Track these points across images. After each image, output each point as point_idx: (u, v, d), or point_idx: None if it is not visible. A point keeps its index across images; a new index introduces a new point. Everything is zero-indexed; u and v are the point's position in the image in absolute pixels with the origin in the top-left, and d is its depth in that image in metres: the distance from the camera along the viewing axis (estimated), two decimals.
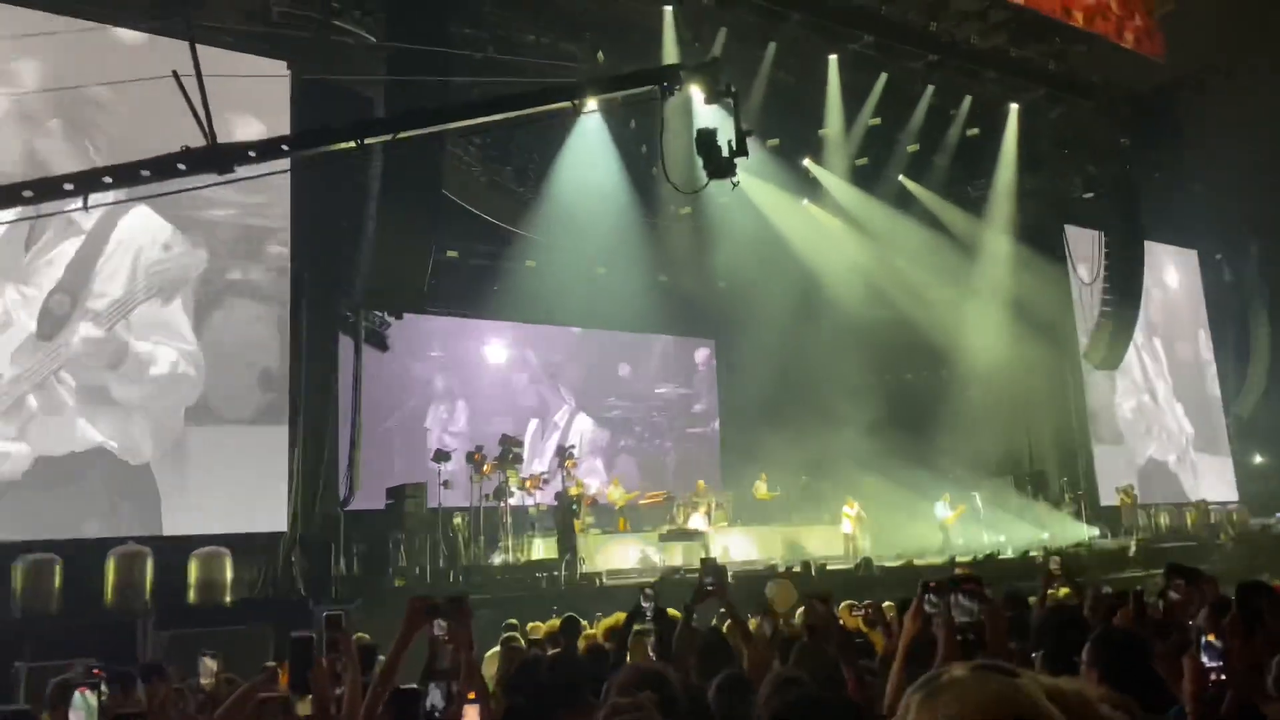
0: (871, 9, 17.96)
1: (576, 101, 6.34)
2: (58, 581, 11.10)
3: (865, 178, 21.00)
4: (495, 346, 21.07)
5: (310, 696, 3.42)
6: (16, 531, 12.12)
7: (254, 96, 14.65)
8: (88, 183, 5.36)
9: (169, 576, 11.89)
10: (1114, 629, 3.68)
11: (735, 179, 6.04)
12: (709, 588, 4.76)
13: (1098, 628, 3.50)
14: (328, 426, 15.47)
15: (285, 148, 5.77)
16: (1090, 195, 23.48)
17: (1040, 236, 22.67)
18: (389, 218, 14.46)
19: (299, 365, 14.80)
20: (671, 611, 5.18)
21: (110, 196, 5.79)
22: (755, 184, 20.27)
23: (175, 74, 5.51)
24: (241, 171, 5.84)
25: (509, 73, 18.37)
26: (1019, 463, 22.39)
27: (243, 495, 13.76)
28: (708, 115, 6.42)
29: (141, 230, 13.67)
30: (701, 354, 23.87)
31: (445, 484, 15.26)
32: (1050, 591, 7.02)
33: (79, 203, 5.61)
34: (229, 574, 12.20)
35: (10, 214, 5.24)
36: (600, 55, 18.01)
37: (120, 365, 13.32)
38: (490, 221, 18.24)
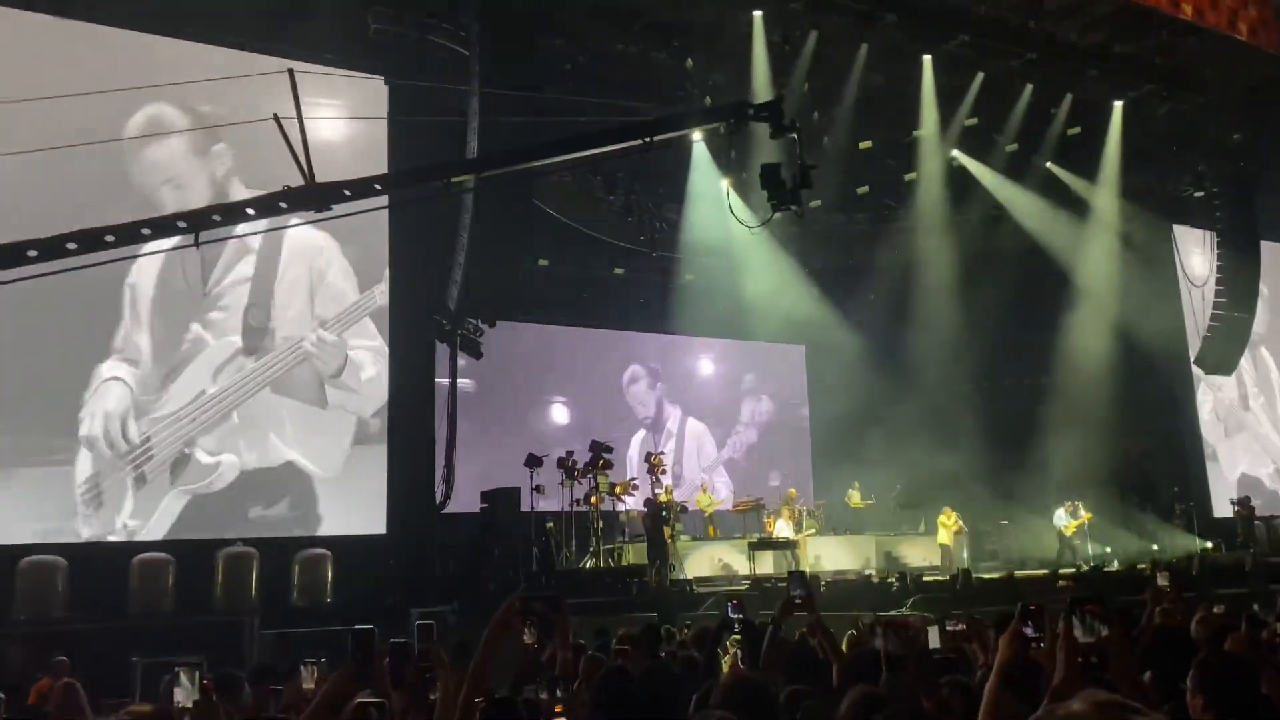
0: (966, 7, 17.56)
1: (648, 139, 6.49)
2: (171, 580, 11.60)
3: (962, 180, 20.56)
4: (586, 352, 21.24)
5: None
6: (128, 533, 12.75)
7: (354, 110, 15.13)
8: (199, 221, 5.73)
9: (275, 578, 12.32)
10: (1221, 653, 3.53)
11: (800, 209, 6.05)
12: (797, 599, 4.71)
13: (1205, 650, 3.36)
14: (424, 432, 15.83)
15: (378, 186, 6.03)
16: (1200, 194, 22.53)
17: (1147, 237, 21.83)
18: (482, 227, 14.74)
19: (396, 372, 15.18)
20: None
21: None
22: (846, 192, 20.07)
23: (276, 117, 5.81)
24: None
25: (598, 82, 18.59)
26: (1126, 472, 21.57)
27: (343, 499, 14.19)
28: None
29: (303, 241, 14.28)
30: (793, 359, 23.64)
31: (537, 489, 15.44)
32: (1158, 608, 6.75)
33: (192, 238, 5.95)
34: (330, 576, 12.58)
35: (129, 250, 5.61)
36: (689, 62, 18.05)
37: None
38: (579, 229, 18.43)
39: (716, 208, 19.57)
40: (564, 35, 17.29)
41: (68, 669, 8.24)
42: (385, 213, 15.13)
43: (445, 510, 15.91)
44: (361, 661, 3.26)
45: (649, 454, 17.98)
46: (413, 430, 15.50)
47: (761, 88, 18.01)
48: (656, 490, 16.11)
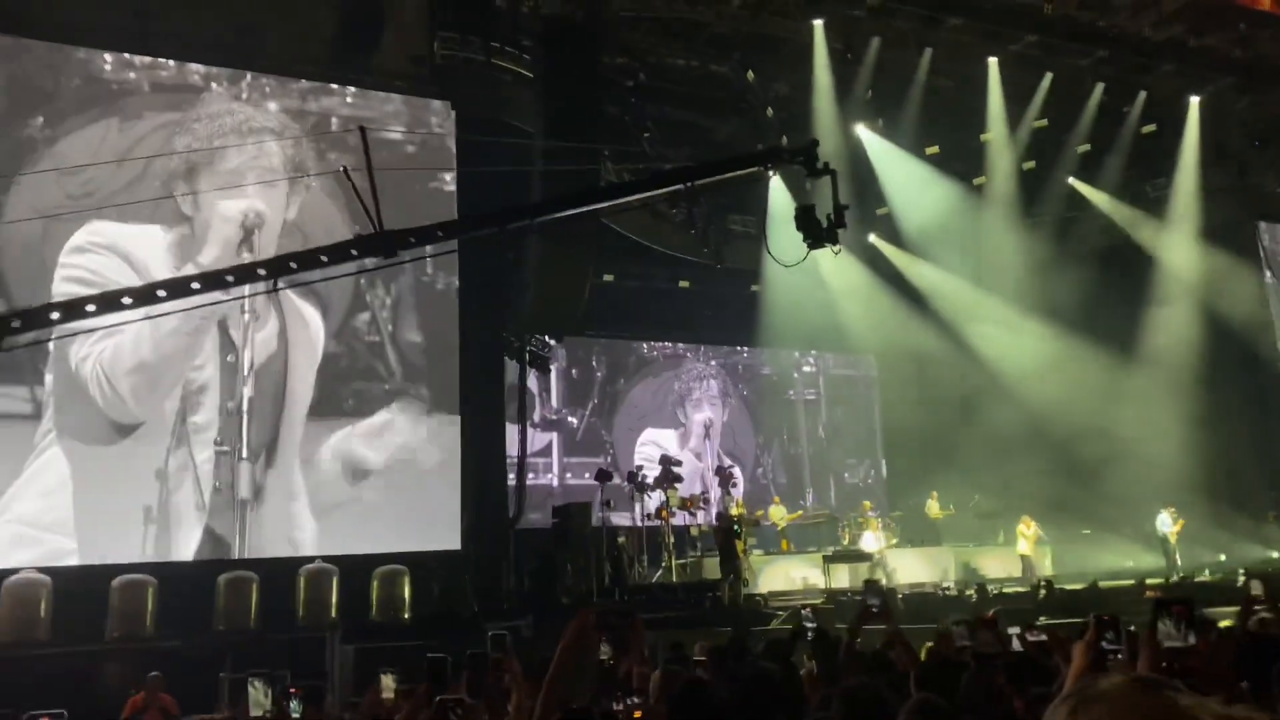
0: (1033, 7, 17.25)
1: (688, 184, 6.83)
2: (255, 598, 11.89)
3: (1033, 182, 20.17)
4: (649, 365, 21.27)
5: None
6: (220, 551, 13.13)
7: (416, 134, 15.48)
8: (277, 268, 6.18)
9: (354, 594, 12.55)
10: None
11: (837, 248, 6.40)
12: (873, 609, 4.66)
13: None
14: (495, 448, 16.02)
15: (440, 234, 6.56)
16: None
17: (1230, 235, 21.12)
18: (549, 245, 14.91)
19: (468, 389, 15.40)
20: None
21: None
22: (914, 198, 19.84)
23: (345, 170, 6.18)
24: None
25: (660, 97, 18.69)
26: (1215, 477, 20.82)
27: (419, 515, 14.42)
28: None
29: None
30: (864, 368, 23.38)
31: (608, 503, 15.49)
32: (1253, 617, 6.48)
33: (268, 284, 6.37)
34: (408, 591, 12.77)
35: (215, 295, 6.03)
36: (750, 74, 18.05)
37: None
38: (643, 244, 18.51)
39: (787, 216, 19.48)
40: (626, 52, 17.44)
41: (162, 684, 8.50)
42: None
43: (518, 526, 16.07)
44: (436, 688, 3.34)
45: (719, 468, 17.95)
46: (485, 446, 15.70)
47: (824, 97, 17.94)
48: (728, 504, 16.04)
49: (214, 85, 14.57)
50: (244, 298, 11.72)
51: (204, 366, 13.72)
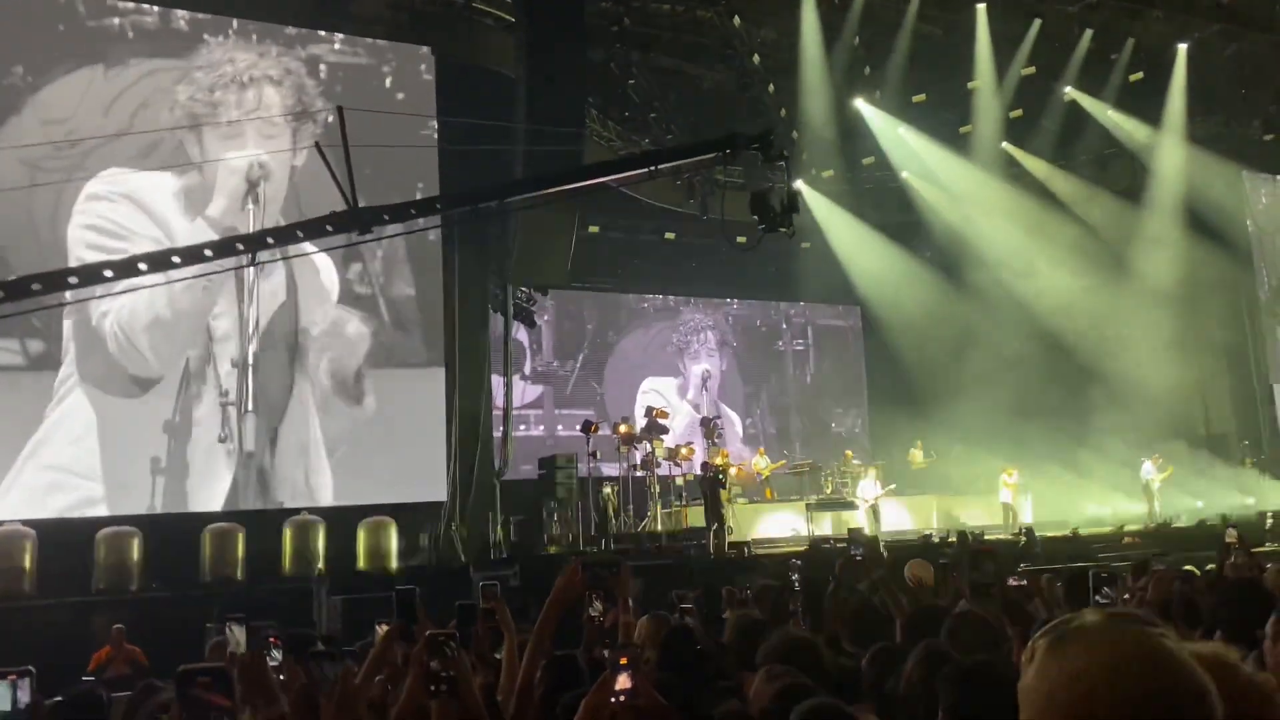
0: None
1: (653, 168, 7.21)
2: (241, 550, 11.91)
3: (1019, 129, 20.08)
4: (640, 317, 21.27)
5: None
6: (201, 504, 13.13)
7: (401, 81, 15.24)
8: (255, 242, 6.34)
9: (341, 545, 12.59)
10: None
11: (790, 230, 6.72)
12: (857, 557, 4.70)
13: None
14: (482, 400, 16.01)
15: (414, 211, 6.72)
16: (1270, 137, 21.71)
17: (1214, 183, 21.13)
18: (532, 189, 14.74)
19: (452, 342, 15.33)
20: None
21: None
22: (900, 142, 19.74)
23: (318, 145, 6.33)
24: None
25: (645, 43, 18.42)
26: (1194, 425, 21.07)
27: (405, 467, 14.43)
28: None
29: None
30: (850, 318, 23.41)
31: (593, 454, 15.54)
32: (1229, 563, 6.60)
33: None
34: (394, 542, 12.82)
35: (196, 270, 6.17)
36: (737, 20, 17.78)
37: None
38: (630, 195, 18.34)
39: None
40: None
41: (124, 635, 8.55)
42: (436, 181, 15.21)
43: (504, 477, 16.12)
44: (405, 620, 3.35)
45: (704, 419, 18.01)
46: (470, 398, 15.68)
47: (811, 44, 17.74)
48: (712, 454, 16.12)
49: (205, 35, 14.25)
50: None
51: (220, 318, 13.65)
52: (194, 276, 7.05)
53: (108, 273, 5.96)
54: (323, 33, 15.04)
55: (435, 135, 15.23)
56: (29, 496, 12.13)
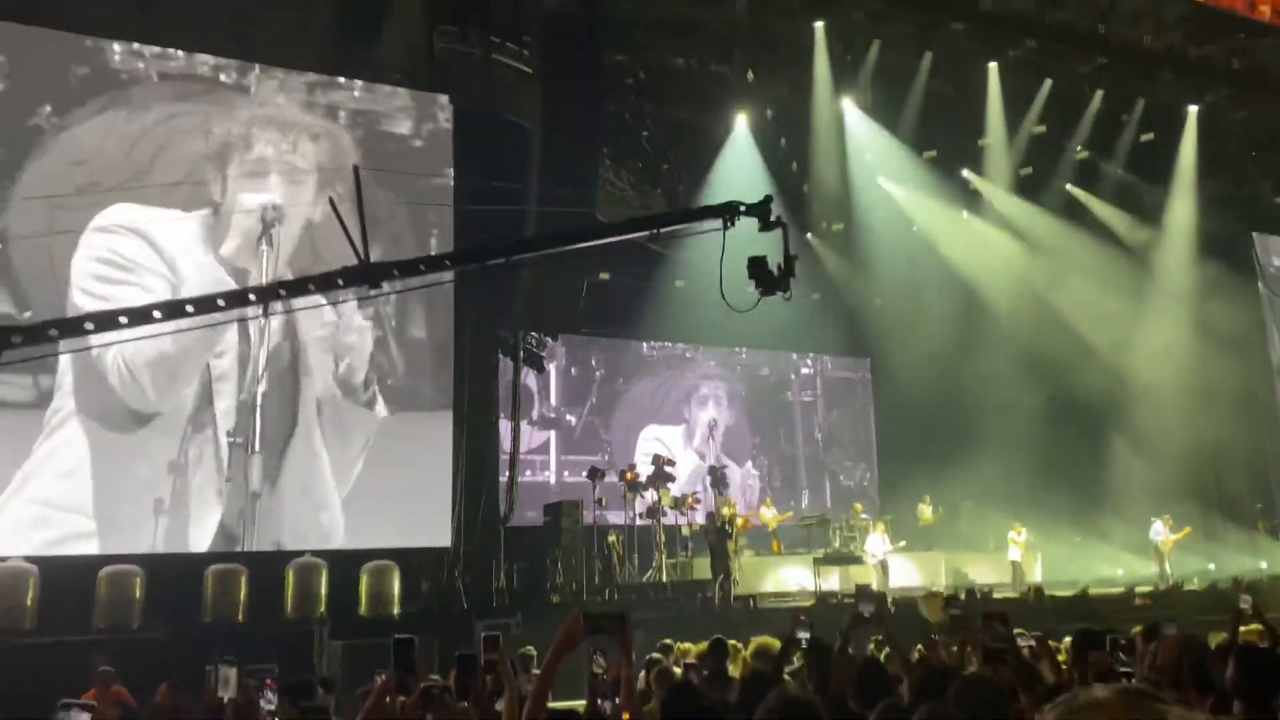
0: (1033, 14, 17.27)
1: (656, 231, 7.48)
2: (243, 591, 11.83)
3: (1030, 188, 20.20)
4: (649, 365, 21.26)
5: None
6: (201, 544, 13.07)
7: (419, 128, 15.45)
8: (267, 294, 6.61)
9: (343, 589, 12.49)
10: None
11: (788, 294, 6.96)
12: (865, 614, 4.64)
13: None
14: (488, 445, 15.98)
15: (422, 267, 6.88)
16: None
17: (1225, 244, 21.19)
18: (546, 239, 14.85)
19: (461, 386, 15.33)
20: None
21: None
22: (912, 197, 19.86)
23: (331, 201, 6.54)
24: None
25: (660, 96, 18.68)
26: (1206, 486, 20.88)
27: (410, 511, 14.36)
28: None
29: None
30: (858, 373, 23.38)
31: (599, 502, 15.47)
32: (1242, 630, 6.49)
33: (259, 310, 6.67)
34: (397, 587, 12.73)
35: (206, 319, 6.37)
36: (750, 74, 18.03)
37: None
38: (640, 244, 18.44)
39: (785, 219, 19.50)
40: (626, 50, 17.41)
41: (114, 678, 8.47)
42: (452, 233, 15.31)
43: (509, 523, 16.02)
44: (402, 670, 3.31)
45: (711, 468, 17.93)
46: (477, 443, 15.66)
47: (823, 99, 17.95)
48: (719, 504, 16.02)
49: (222, 76, 14.49)
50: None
51: (223, 355, 13.68)
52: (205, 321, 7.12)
53: (123, 319, 6.05)
54: (342, 80, 15.29)
55: (451, 182, 15.40)
56: (14, 530, 12.00)
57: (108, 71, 13.85)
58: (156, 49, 14.10)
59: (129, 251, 13.24)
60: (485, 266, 7.77)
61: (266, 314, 6.58)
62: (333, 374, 14.47)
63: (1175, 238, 20.43)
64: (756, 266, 6.85)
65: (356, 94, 15.33)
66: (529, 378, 18.45)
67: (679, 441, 20.54)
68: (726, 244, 7.10)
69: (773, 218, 7.05)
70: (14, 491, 12.20)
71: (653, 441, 19.89)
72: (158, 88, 14.08)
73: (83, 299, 12.78)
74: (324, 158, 14.78)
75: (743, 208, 7.11)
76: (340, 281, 6.60)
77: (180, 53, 14.26)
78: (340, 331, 14.59)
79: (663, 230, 7.53)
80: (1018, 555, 17.43)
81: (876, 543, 16.91)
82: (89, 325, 5.99)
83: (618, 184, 18.29)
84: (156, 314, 6.07)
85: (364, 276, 6.56)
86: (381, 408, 14.66)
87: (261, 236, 14.01)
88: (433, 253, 15.08)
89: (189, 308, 6.18)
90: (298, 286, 6.62)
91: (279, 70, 14.78)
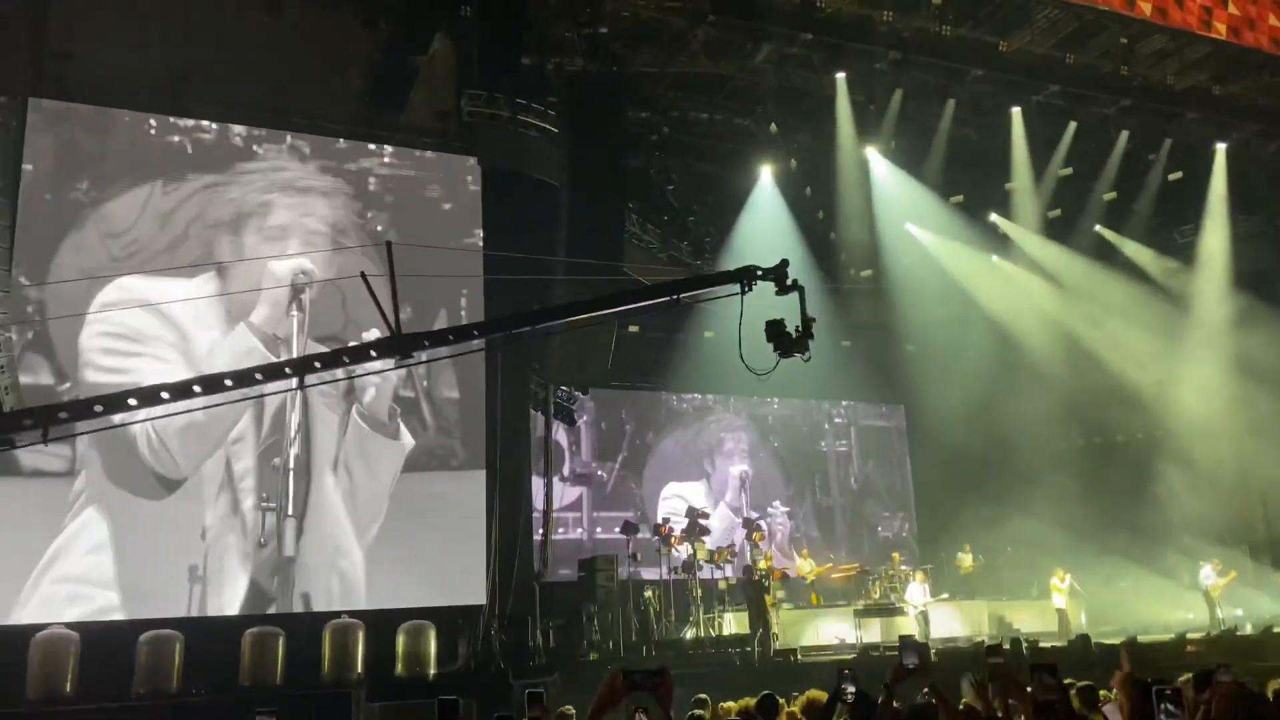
0: (1055, 58, 17.34)
1: (676, 298, 7.70)
2: (280, 653, 11.80)
3: (1059, 230, 20.13)
4: (679, 418, 21.22)
5: None
6: (233, 607, 13.11)
7: (448, 189, 15.70)
8: (302, 367, 6.77)
9: (379, 649, 12.43)
10: None
11: (807, 356, 7.12)
12: (910, 666, 4.54)
13: None
14: (521, 501, 15.96)
15: (451, 338, 7.17)
16: None
17: (1260, 281, 20.90)
18: (573, 295, 14.96)
19: (494, 442, 15.36)
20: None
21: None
22: (939, 242, 19.85)
23: (363, 275, 6.88)
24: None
25: (684, 150, 18.90)
26: (1253, 529, 20.37)
27: (444, 569, 14.33)
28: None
29: None
30: (892, 420, 23.20)
31: (634, 556, 15.37)
32: None
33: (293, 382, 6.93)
34: (433, 647, 12.65)
35: (239, 394, 6.61)
36: (774, 127, 18.22)
37: None
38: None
39: (804, 268, 19.59)
40: (649, 107, 17.66)
41: None
42: (482, 292, 15.44)
43: (543, 579, 15.94)
44: None
45: (746, 520, 17.79)
46: (510, 499, 15.64)
47: (847, 148, 18.08)
48: (755, 557, 15.86)
49: (255, 147, 14.83)
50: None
51: (252, 422, 13.81)
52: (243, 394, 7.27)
53: (165, 394, 6.22)
54: (372, 146, 15.60)
55: (480, 242, 15.59)
56: (47, 606, 12.10)
57: (147, 146, 14.22)
58: (190, 121, 14.48)
59: (143, 324, 13.37)
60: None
61: (301, 386, 6.71)
62: (365, 434, 14.56)
63: (1209, 275, 20.21)
64: (775, 329, 6.98)
65: (386, 159, 15.64)
66: (559, 433, 18.49)
67: (699, 496, 20.34)
68: (747, 306, 7.18)
69: (789, 281, 7.19)
70: (45, 566, 12.32)
71: (671, 499, 19.79)
72: (191, 159, 14.42)
73: (97, 375, 13.02)
74: (353, 220, 15.03)
75: (759, 272, 7.25)
76: (373, 354, 6.81)
77: (214, 125, 14.63)
78: (371, 394, 14.71)
79: (682, 296, 7.68)
80: (1062, 602, 17.08)
81: (916, 592, 16.64)
82: (132, 401, 6.13)
83: (644, 238, 18.45)
84: (196, 388, 6.23)
85: (396, 348, 6.77)
86: (413, 466, 14.70)
87: (292, 301, 14.21)
88: (463, 312, 15.28)
89: (227, 382, 6.34)
90: (331, 359, 6.83)
91: (309, 137, 15.11)
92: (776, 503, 21.27)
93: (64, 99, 13.70)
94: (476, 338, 7.53)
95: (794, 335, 7.08)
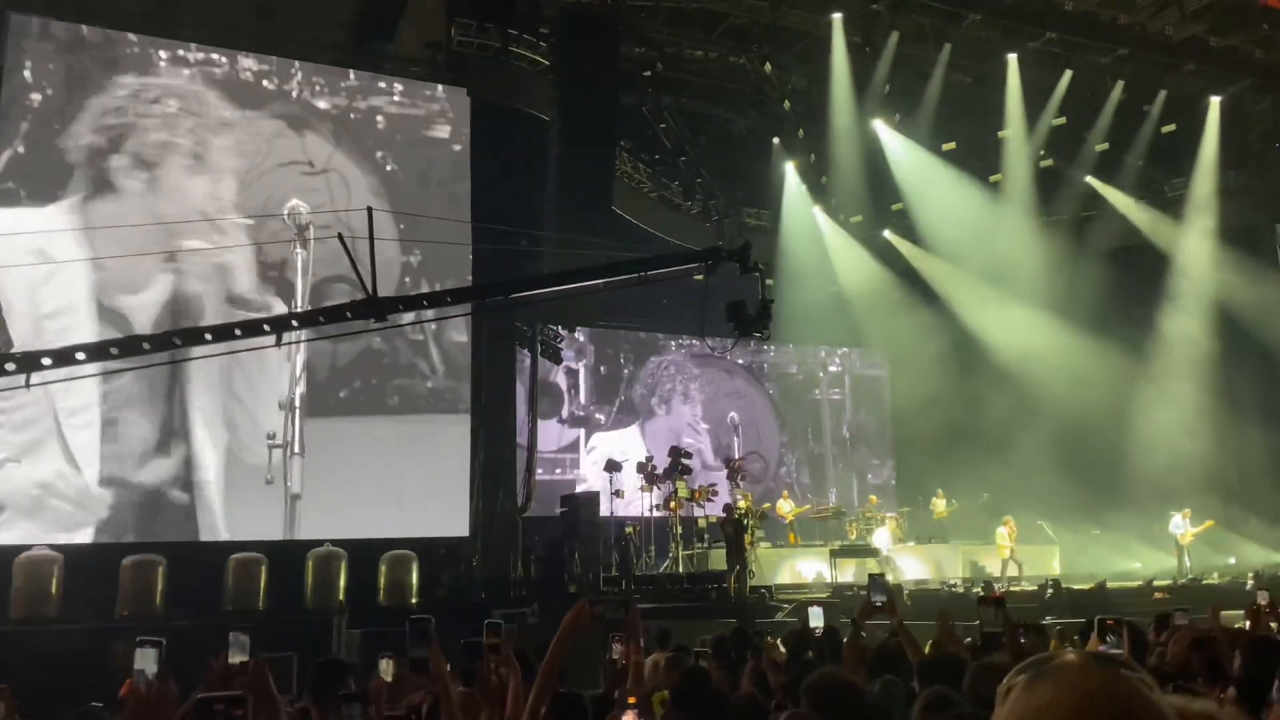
0: (1053, 4, 17.14)
1: (643, 274, 7.94)
2: (264, 580, 11.95)
3: (1050, 179, 20.07)
4: (664, 358, 21.24)
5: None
6: (219, 533, 13.26)
7: (437, 119, 15.53)
8: (280, 324, 6.87)
9: (362, 578, 12.60)
10: None
11: (766, 335, 7.43)
12: (878, 604, 4.67)
13: None
14: (506, 436, 16.07)
15: (425, 303, 7.41)
16: None
17: (1247, 236, 20.95)
18: (563, 233, 14.93)
19: (480, 378, 15.42)
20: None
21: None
22: (931, 191, 19.76)
23: (340, 237, 6.98)
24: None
25: (677, 88, 18.67)
26: (1227, 477, 20.69)
27: (429, 502, 14.48)
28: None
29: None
30: (878, 364, 23.33)
31: (617, 493, 15.54)
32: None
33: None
34: (415, 577, 12.82)
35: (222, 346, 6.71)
36: (768, 67, 18.00)
37: None
38: (657, 235, 18.50)
39: (803, 210, 19.56)
40: (643, 42, 17.41)
41: (9, 693, 8.53)
42: (469, 230, 15.39)
43: (527, 514, 16.12)
44: (419, 649, 3.40)
45: (727, 459, 17.96)
46: (495, 433, 15.75)
47: (841, 90, 17.90)
48: (736, 496, 16.05)
49: (264, 83, 14.60)
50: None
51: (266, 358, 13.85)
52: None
53: (146, 345, 6.30)
54: (353, 74, 15.32)
55: (468, 179, 15.48)
56: (33, 526, 12.27)
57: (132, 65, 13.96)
58: (174, 45, 14.22)
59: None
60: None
61: (279, 343, 6.84)
62: (355, 369, 14.58)
63: (1197, 229, 20.24)
64: (735, 310, 7.31)
65: (370, 84, 15.41)
66: (558, 375, 18.54)
67: (693, 435, 20.52)
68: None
69: (751, 263, 7.46)
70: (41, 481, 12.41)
71: (671, 435, 19.90)
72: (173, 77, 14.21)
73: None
74: (341, 148, 14.87)
75: (724, 253, 7.50)
76: (349, 314, 7.04)
77: (223, 59, 14.41)
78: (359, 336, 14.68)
79: (648, 274, 7.90)
80: (1004, 552, 17.22)
81: (882, 537, 16.93)
82: (114, 350, 6.22)
83: (636, 176, 18.31)
84: (176, 340, 6.34)
85: (371, 310, 6.99)
86: (402, 399, 14.77)
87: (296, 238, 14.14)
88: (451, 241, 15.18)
89: (207, 335, 6.45)
90: (309, 318, 7.10)
91: (297, 63, 14.88)
92: (773, 460, 21.40)
93: (46, 14, 13.42)
94: (450, 303, 7.67)
95: (755, 315, 7.32)
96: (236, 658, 3.38)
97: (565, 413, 19.39)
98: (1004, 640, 3.88)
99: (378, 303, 6.97)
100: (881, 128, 18.85)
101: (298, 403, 13.98)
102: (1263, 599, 6.69)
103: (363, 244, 7.00)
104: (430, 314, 7.76)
